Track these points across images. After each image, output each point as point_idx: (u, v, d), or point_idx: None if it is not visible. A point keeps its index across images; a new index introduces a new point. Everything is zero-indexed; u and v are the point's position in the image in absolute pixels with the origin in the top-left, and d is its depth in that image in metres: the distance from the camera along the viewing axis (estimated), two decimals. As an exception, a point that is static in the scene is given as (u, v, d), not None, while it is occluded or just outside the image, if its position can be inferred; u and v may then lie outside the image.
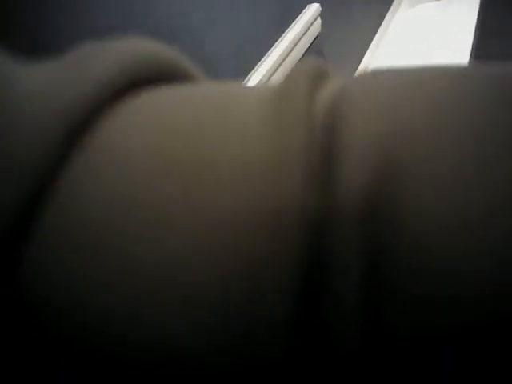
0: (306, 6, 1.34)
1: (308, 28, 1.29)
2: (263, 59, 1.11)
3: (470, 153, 0.09)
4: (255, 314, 0.10)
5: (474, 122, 0.10)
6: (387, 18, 2.73)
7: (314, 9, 1.34)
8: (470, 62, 2.05)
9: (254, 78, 1.05)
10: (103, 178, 0.12)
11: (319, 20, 1.37)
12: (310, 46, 1.31)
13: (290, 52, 1.19)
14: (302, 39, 1.26)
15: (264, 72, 1.07)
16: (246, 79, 1.05)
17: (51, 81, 0.13)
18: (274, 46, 1.15)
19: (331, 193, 0.10)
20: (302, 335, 0.10)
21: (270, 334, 0.10)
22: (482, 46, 2.14)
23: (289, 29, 1.22)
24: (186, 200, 0.11)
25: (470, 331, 0.08)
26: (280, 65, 1.14)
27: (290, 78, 0.13)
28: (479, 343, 0.08)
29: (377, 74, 0.12)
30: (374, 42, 2.52)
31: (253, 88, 0.14)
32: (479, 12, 2.41)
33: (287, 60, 1.18)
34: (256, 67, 1.09)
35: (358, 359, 0.10)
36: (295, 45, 1.21)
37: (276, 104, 0.12)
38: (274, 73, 1.11)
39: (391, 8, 2.81)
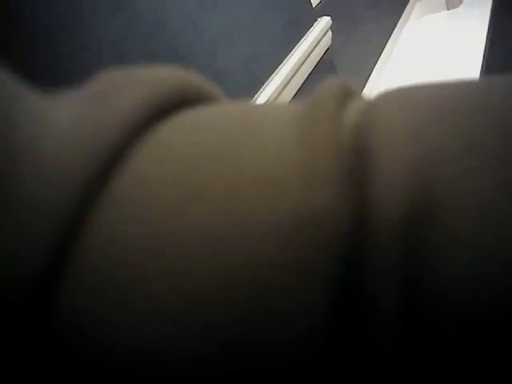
0: (316, 20, 1.35)
1: (319, 41, 1.31)
2: (275, 72, 1.13)
3: (508, 180, 0.09)
4: (294, 324, 0.10)
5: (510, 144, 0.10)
6: (397, 28, 2.74)
7: (324, 22, 1.36)
8: (481, 71, 2.04)
9: (267, 92, 1.07)
10: (134, 214, 0.12)
11: (330, 33, 1.39)
12: (321, 59, 1.32)
13: (302, 65, 1.21)
14: (313, 52, 1.27)
15: (276, 85, 1.09)
16: (259, 93, 1.06)
17: (77, 119, 0.13)
18: (285, 60, 1.17)
19: (366, 210, 0.10)
20: (339, 340, 0.10)
21: (309, 340, 0.10)
22: (493, 55, 2.13)
23: (300, 42, 1.24)
24: (223, 223, 0.11)
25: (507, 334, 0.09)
26: (292, 78, 1.15)
27: (316, 97, 0.13)
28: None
29: (402, 92, 0.12)
30: (384, 53, 2.52)
31: (279, 107, 0.14)
32: (490, 21, 2.40)
33: (299, 73, 1.19)
34: (268, 80, 1.10)
35: (395, 362, 0.10)
36: (306, 58, 1.23)
37: (304, 125, 0.12)
38: (285, 86, 1.12)
39: (401, 19, 2.82)
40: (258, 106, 0.15)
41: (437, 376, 0.10)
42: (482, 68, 2.07)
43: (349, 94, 0.14)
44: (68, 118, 0.13)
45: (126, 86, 0.14)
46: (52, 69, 0.63)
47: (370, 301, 0.10)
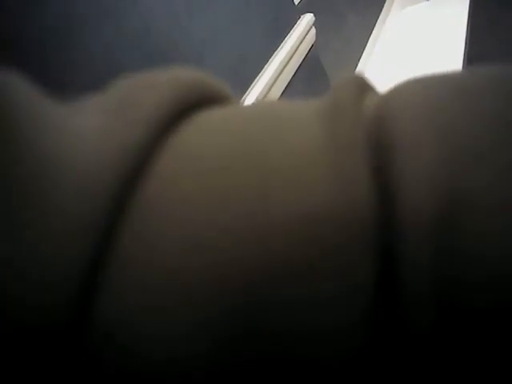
0: (299, 17, 1.36)
1: (303, 38, 1.32)
2: (262, 71, 1.14)
3: None
4: (334, 318, 0.10)
5: None
6: (379, 21, 2.76)
7: (307, 19, 1.37)
8: (463, 59, 2.07)
9: (255, 91, 1.08)
10: (168, 217, 0.11)
11: (313, 29, 1.40)
12: (306, 56, 1.34)
13: (288, 62, 1.22)
14: (298, 49, 1.29)
15: (264, 84, 1.10)
16: (247, 92, 1.07)
17: (102, 125, 0.12)
18: (271, 58, 1.18)
19: (395, 205, 0.10)
20: (377, 334, 0.10)
21: (348, 335, 0.10)
22: (474, 44, 2.16)
23: (285, 40, 1.25)
24: (255, 222, 0.11)
25: None
26: (279, 76, 1.17)
27: (336, 92, 0.13)
28: None
29: (418, 84, 0.12)
30: (368, 45, 2.55)
31: (299, 104, 0.14)
32: (469, 10, 2.43)
33: (285, 70, 1.20)
34: (256, 79, 1.11)
35: (431, 350, 0.10)
36: (292, 55, 1.24)
37: (328, 119, 0.12)
38: (273, 84, 1.14)
39: (382, 11, 2.84)
40: (278, 103, 0.15)
41: (470, 364, 0.10)
42: (464, 57, 2.10)
43: (366, 87, 0.14)
44: (92, 126, 0.13)
45: (146, 88, 0.14)
46: (40, 76, 0.63)
47: (406, 293, 0.10)
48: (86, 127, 0.13)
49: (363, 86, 0.13)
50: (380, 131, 0.11)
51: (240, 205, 0.11)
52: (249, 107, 0.15)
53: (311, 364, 0.10)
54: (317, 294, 0.10)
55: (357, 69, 2.34)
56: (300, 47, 1.30)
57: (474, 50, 2.12)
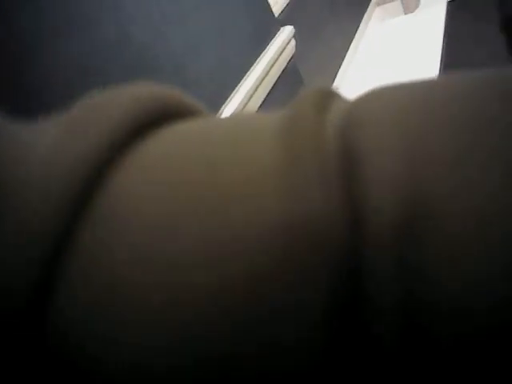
0: (279, 29, 1.38)
1: (283, 50, 1.34)
2: (241, 82, 1.15)
3: (498, 183, 0.09)
4: (293, 330, 0.10)
5: (499, 145, 0.09)
6: (358, 33, 2.82)
7: (288, 31, 1.39)
8: (439, 70, 2.12)
9: (234, 101, 1.08)
10: (122, 227, 0.12)
11: (293, 41, 1.42)
12: (285, 67, 1.35)
13: (267, 74, 1.23)
14: (278, 61, 1.30)
15: (243, 95, 1.10)
16: (226, 102, 1.08)
17: (56, 144, 0.13)
18: (251, 69, 1.19)
19: (357, 213, 0.10)
20: (339, 345, 0.10)
21: (308, 345, 0.10)
22: (449, 56, 2.22)
23: (265, 51, 1.26)
24: (206, 235, 0.11)
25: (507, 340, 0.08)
26: (258, 87, 1.18)
27: (295, 104, 0.13)
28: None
29: (385, 92, 0.12)
30: (347, 57, 2.59)
31: (261, 118, 0.14)
32: (445, 24, 2.50)
33: (265, 81, 1.22)
34: (235, 90, 1.12)
35: (396, 363, 0.10)
36: (271, 66, 1.25)
37: (285, 132, 0.12)
38: (252, 95, 1.14)
39: (361, 24, 2.90)
40: (240, 118, 0.15)
41: (436, 377, 0.09)
42: (440, 66, 2.15)
43: (330, 96, 0.13)
44: (47, 143, 0.13)
45: (103, 106, 0.14)
46: (14, 88, 0.62)
47: (370, 304, 0.10)
48: (41, 143, 0.13)
49: (327, 97, 0.13)
50: (345, 140, 0.11)
51: (193, 219, 0.11)
52: (211, 122, 0.15)
53: (275, 377, 0.11)
54: (278, 307, 0.10)
55: (335, 80, 2.38)
56: (280, 58, 1.31)
57: (450, 61, 2.17)
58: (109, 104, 0.14)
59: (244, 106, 1.10)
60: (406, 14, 2.86)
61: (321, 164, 0.11)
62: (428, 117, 0.10)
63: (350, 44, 2.68)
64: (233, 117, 0.16)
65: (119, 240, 0.12)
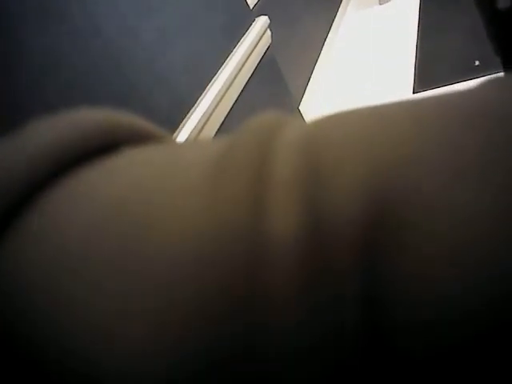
0: (254, 20, 1.37)
1: (258, 40, 1.32)
2: (217, 74, 1.13)
3: (447, 185, 0.09)
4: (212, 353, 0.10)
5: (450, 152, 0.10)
6: (335, 23, 2.83)
7: (262, 21, 1.38)
8: (415, 58, 2.14)
9: (210, 94, 1.07)
10: (42, 250, 0.12)
11: (269, 32, 1.41)
12: (262, 58, 1.34)
13: (244, 65, 1.22)
14: (254, 52, 1.29)
15: (219, 87, 1.09)
16: (202, 95, 1.06)
17: None
18: (226, 61, 1.18)
19: (316, 226, 0.10)
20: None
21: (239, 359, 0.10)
22: (424, 44, 2.24)
23: (240, 42, 1.25)
24: (125, 258, 0.11)
25: (474, 351, 0.08)
26: (235, 78, 1.16)
27: (236, 135, 0.13)
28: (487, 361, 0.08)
29: (338, 115, 0.12)
30: (324, 48, 2.59)
31: (201, 147, 0.14)
32: (420, 13, 2.53)
33: (241, 73, 1.20)
34: (211, 82, 1.10)
35: (362, 380, 0.09)
36: (247, 58, 1.24)
37: (219, 167, 0.12)
38: (229, 87, 1.13)
39: (337, 14, 2.91)
40: (180, 148, 0.15)
41: None
42: (416, 56, 2.17)
43: (278, 123, 0.13)
44: None
45: (39, 133, 0.14)
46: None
47: (334, 321, 0.10)
48: None
49: (272, 124, 0.13)
50: (302, 159, 0.11)
51: (113, 245, 0.12)
52: (148, 152, 0.15)
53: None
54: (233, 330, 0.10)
55: (314, 70, 2.38)
56: (255, 49, 1.30)
57: (426, 49, 2.19)
58: (46, 128, 0.15)
59: (220, 99, 1.09)
60: (381, 4, 2.88)
61: (254, 191, 0.11)
62: (384, 132, 0.11)
63: (327, 34, 2.68)
64: (174, 148, 0.16)
65: (37, 261, 0.12)
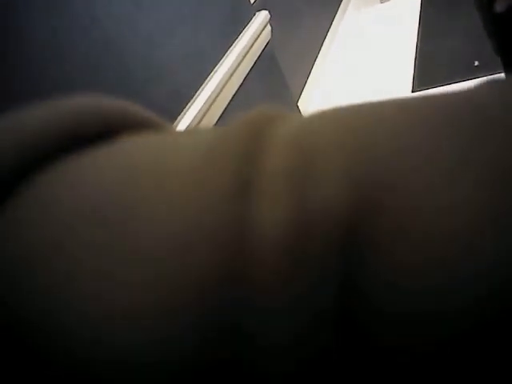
0: (254, 14, 1.36)
1: (258, 35, 1.32)
2: (216, 68, 1.12)
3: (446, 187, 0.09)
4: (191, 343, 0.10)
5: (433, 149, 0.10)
6: (335, 21, 2.82)
7: (262, 16, 1.37)
8: (415, 56, 2.14)
9: (210, 86, 1.06)
10: (29, 231, 0.12)
11: (269, 27, 1.40)
12: (261, 53, 1.33)
13: (243, 59, 1.21)
14: (253, 46, 1.28)
15: (218, 80, 1.08)
16: (201, 88, 1.06)
17: None
18: (225, 55, 1.17)
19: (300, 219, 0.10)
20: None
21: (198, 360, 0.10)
22: (424, 43, 2.24)
23: (240, 37, 1.24)
24: (114, 242, 0.11)
25: (452, 345, 0.09)
26: (234, 72, 1.16)
27: (226, 134, 0.13)
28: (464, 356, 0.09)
29: (332, 111, 0.13)
30: (324, 44, 2.59)
31: (197, 135, 0.14)
32: (420, 11, 2.52)
33: (240, 67, 1.20)
34: (210, 75, 1.10)
35: (343, 374, 0.10)
36: (247, 52, 1.23)
37: (209, 154, 0.12)
38: (228, 80, 1.13)
39: (338, 11, 2.90)
40: (175, 136, 0.15)
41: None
42: (416, 54, 2.17)
43: (272, 117, 0.13)
44: None
45: (29, 117, 0.14)
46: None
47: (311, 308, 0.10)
48: None
49: (265, 118, 0.13)
50: (291, 152, 0.11)
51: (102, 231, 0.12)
52: (146, 139, 0.15)
53: None
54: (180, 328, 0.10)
55: (313, 67, 2.37)
56: (255, 44, 1.29)
57: (426, 47, 2.19)
58: (23, 124, 0.14)
59: (220, 92, 1.08)
60: (382, 2, 2.87)
61: (238, 182, 0.11)
62: (369, 130, 0.11)
63: (328, 31, 2.67)
64: (170, 134, 0.16)
65: (21, 245, 0.12)
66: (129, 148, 0.14)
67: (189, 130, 0.16)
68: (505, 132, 0.10)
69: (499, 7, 0.63)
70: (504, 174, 0.09)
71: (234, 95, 1.16)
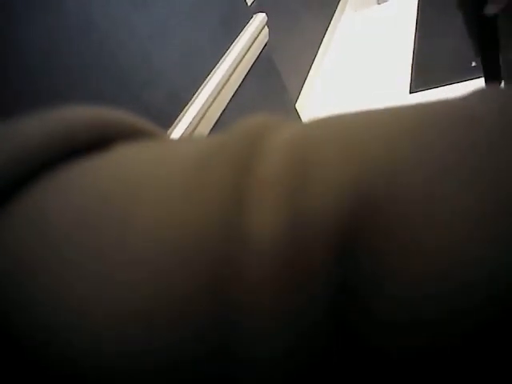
0: (251, 17, 1.36)
1: (256, 37, 1.32)
2: (214, 70, 1.12)
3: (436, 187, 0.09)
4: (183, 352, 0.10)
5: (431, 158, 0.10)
6: (333, 22, 2.82)
7: (260, 18, 1.37)
8: (413, 57, 2.15)
9: (207, 89, 1.06)
10: (23, 241, 0.12)
11: (266, 29, 1.40)
12: (259, 55, 1.33)
13: (240, 61, 1.21)
14: (251, 49, 1.28)
15: (216, 82, 1.08)
16: (198, 92, 1.06)
17: None
18: (223, 57, 1.17)
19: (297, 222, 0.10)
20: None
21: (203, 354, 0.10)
22: (422, 44, 2.24)
23: (237, 39, 1.24)
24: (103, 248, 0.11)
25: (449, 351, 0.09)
26: (231, 75, 1.16)
27: (222, 143, 0.13)
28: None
29: (329, 119, 0.13)
30: (322, 46, 2.59)
31: (191, 144, 0.15)
32: (417, 13, 2.53)
33: (238, 69, 1.20)
34: (208, 78, 1.10)
35: (337, 376, 0.10)
36: (244, 54, 1.23)
37: (203, 162, 0.12)
38: (225, 83, 1.13)
39: (335, 13, 2.91)
40: (170, 145, 0.15)
41: None
42: (413, 55, 2.18)
43: (268, 125, 0.13)
44: None
45: (26, 127, 0.14)
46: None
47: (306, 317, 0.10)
48: None
49: (261, 126, 0.13)
50: (290, 160, 0.11)
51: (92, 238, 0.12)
52: (141, 148, 0.15)
53: None
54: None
55: (311, 69, 2.38)
56: (252, 46, 1.29)
57: (423, 49, 2.20)
58: (28, 127, 0.14)
59: (217, 95, 1.08)
60: (379, 3, 2.88)
61: (233, 190, 0.11)
62: (373, 137, 0.11)
63: (325, 33, 2.68)
64: (165, 143, 0.16)
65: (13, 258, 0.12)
66: (123, 157, 0.14)
67: (184, 139, 0.16)
68: (504, 144, 0.10)
69: (490, 9, 0.63)
70: (498, 184, 0.09)
71: (232, 97, 1.16)
